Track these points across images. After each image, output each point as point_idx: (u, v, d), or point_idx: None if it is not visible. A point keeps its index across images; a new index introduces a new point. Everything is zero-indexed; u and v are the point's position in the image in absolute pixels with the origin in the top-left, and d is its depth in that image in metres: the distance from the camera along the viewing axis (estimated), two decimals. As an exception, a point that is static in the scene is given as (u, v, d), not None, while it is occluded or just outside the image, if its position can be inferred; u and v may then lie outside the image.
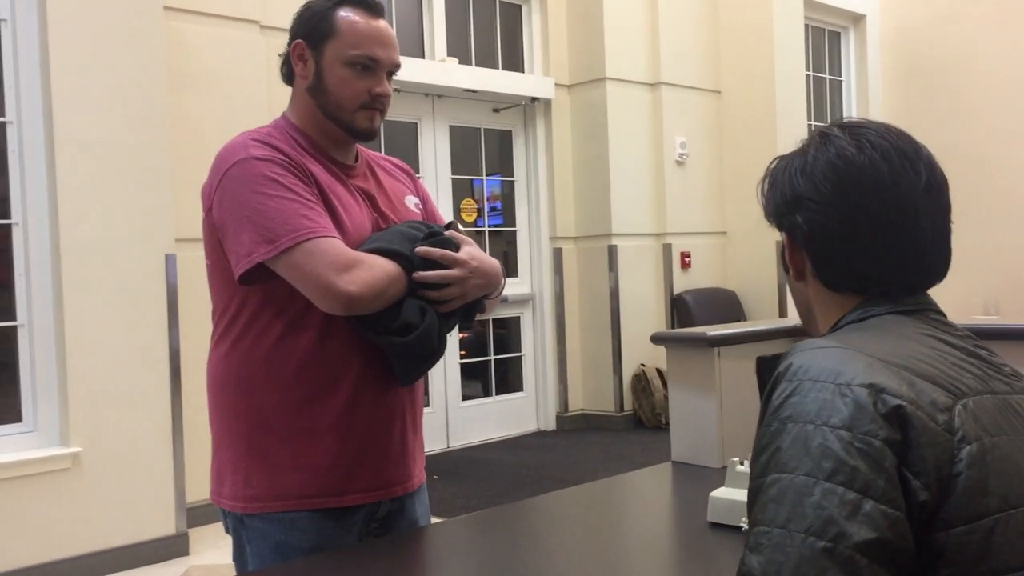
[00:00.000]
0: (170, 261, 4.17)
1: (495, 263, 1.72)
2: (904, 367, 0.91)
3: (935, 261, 1.04)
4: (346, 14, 1.66)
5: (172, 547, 4.10)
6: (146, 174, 4.13)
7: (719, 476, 1.77)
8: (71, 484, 3.86)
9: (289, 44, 1.70)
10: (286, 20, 1.79)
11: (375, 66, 1.66)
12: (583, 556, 1.56)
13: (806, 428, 0.86)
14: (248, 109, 4.63)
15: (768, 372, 0.97)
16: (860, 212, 1.01)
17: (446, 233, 1.69)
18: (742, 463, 1.66)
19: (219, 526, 1.76)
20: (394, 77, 1.73)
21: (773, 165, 1.11)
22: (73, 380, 3.88)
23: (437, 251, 1.63)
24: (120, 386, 4.00)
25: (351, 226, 1.64)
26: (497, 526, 1.78)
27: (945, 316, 1.06)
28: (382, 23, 1.69)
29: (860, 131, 1.05)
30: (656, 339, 2.29)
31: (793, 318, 1.20)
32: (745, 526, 1.55)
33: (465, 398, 6.43)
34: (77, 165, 3.92)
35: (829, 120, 8.10)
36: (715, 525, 1.60)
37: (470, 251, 1.68)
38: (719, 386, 2.08)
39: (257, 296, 1.61)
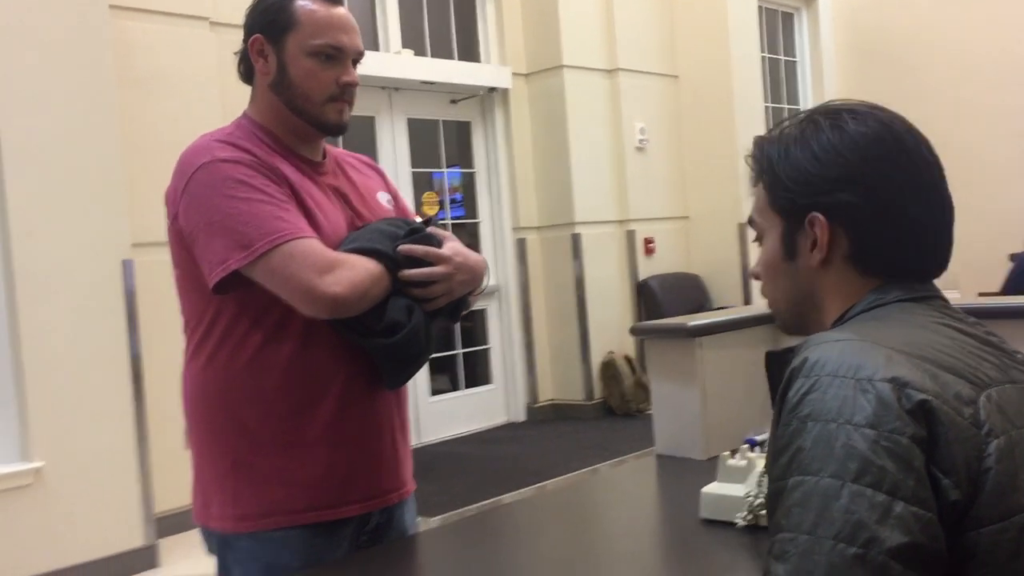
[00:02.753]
0: (127, 267, 4.05)
1: (479, 258, 1.67)
2: (924, 358, 0.87)
3: (952, 243, 1.02)
4: (304, 3, 1.59)
5: (142, 559, 3.99)
6: (98, 178, 4.00)
7: (705, 468, 1.74)
8: (34, 500, 3.74)
9: (245, 40, 1.62)
10: (237, 15, 1.70)
11: (340, 55, 1.60)
12: (575, 558, 1.52)
13: (828, 427, 0.82)
14: (201, 107, 4.52)
15: (779, 368, 0.93)
16: (909, 189, 0.98)
17: (428, 229, 1.64)
18: (732, 456, 1.63)
19: (191, 535, 1.71)
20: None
21: (770, 142, 1.04)
22: (32, 393, 3.75)
23: (421, 248, 1.58)
24: (81, 396, 3.89)
25: (327, 225, 1.57)
26: (485, 531, 1.74)
27: (949, 303, 1.03)
28: (341, 10, 1.63)
29: (880, 112, 1.02)
30: (636, 331, 2.26)
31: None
32: (741, 522, 1.53)
33: (434, 393, 6.37)
34: (26, 172, 3.79)
35: (786, 100, 8.18)
36: (708, 521, 1.57)
37: (454, 247, 1.63)
38: (701, 377, 2.05)
39: (232, 305, 1.54)
